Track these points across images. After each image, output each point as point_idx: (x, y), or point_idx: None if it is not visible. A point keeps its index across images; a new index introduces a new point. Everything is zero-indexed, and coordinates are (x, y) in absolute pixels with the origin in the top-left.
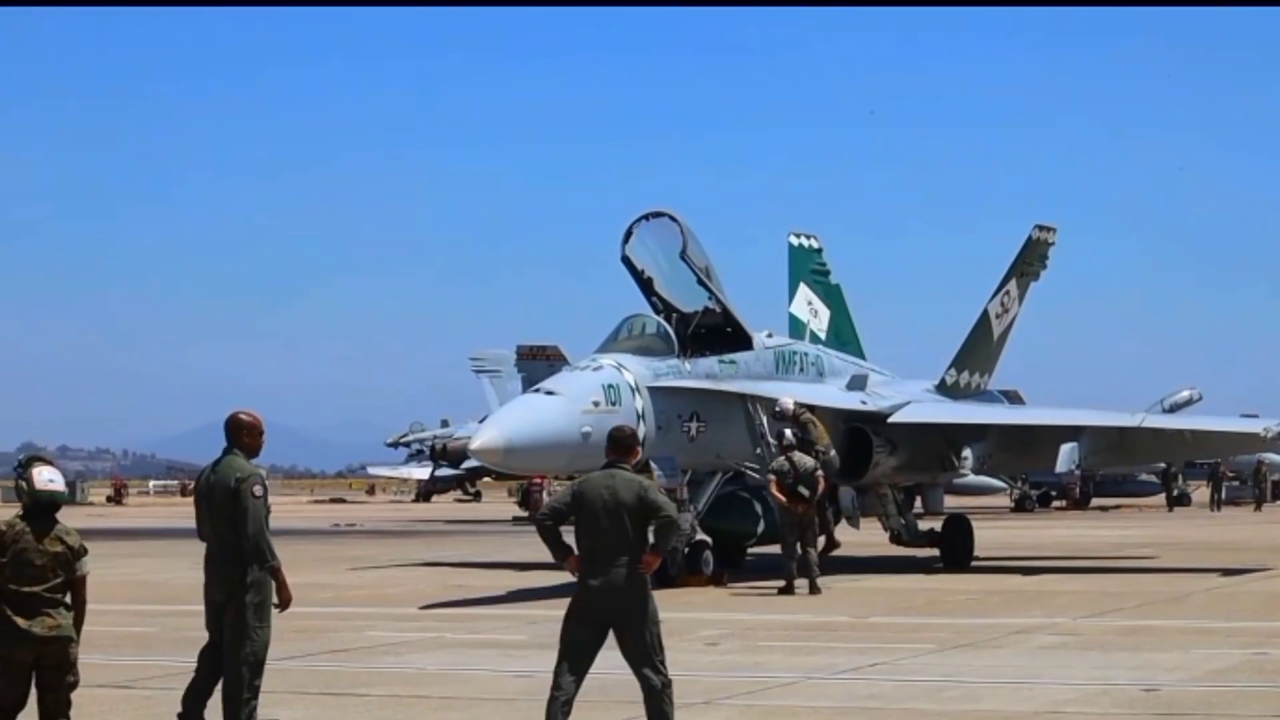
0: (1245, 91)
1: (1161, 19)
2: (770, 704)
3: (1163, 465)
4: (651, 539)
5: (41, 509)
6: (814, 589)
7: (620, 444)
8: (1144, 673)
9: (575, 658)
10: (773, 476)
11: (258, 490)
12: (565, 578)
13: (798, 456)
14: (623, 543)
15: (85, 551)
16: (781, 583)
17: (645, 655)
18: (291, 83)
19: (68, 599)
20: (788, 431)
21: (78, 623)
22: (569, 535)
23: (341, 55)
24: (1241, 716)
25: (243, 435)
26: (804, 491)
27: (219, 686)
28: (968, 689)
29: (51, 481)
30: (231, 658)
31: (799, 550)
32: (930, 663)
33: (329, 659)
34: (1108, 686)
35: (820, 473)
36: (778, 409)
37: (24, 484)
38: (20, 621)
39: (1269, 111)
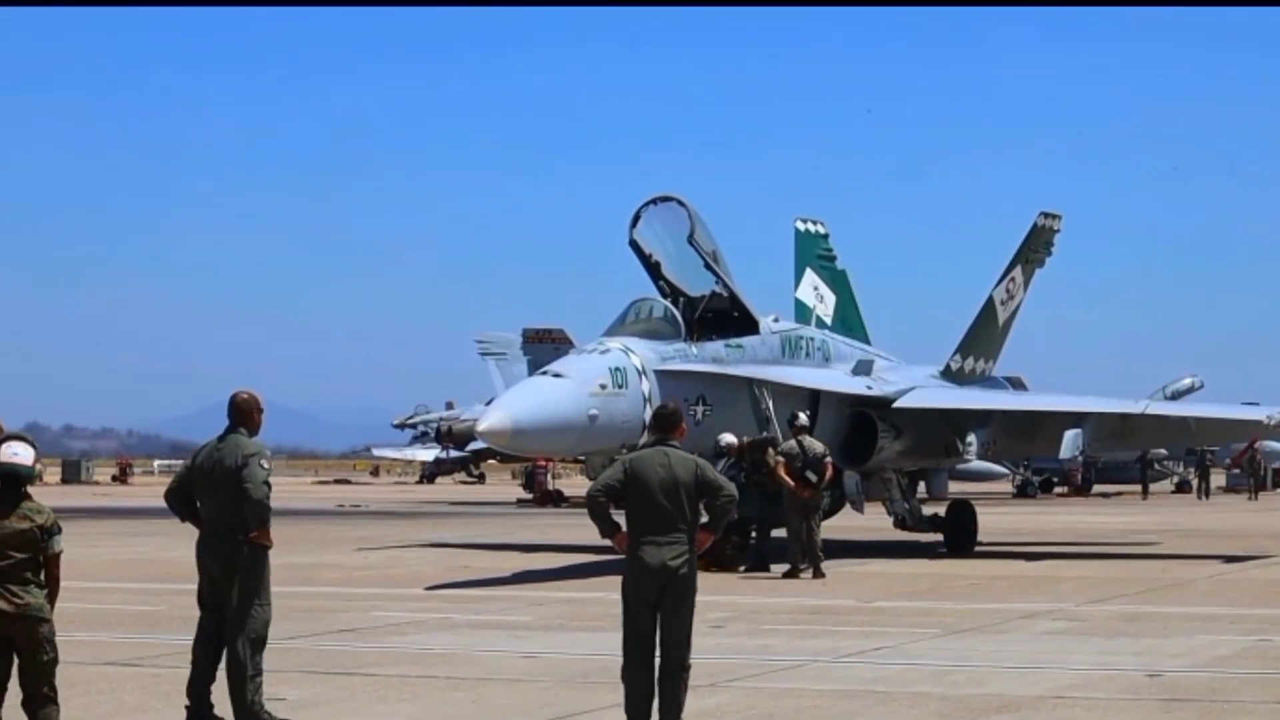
0: (1251, 82)
1: (1164, 17)
2: (775, 687)
3: (1140, 453)
4: (706, 517)
5: (4, 482)
6: (818, 573)
7: (666, 421)
8: (1148, 658)
9: (645, 638)
10: (781, 459)
11: (265, 464)
12: (571, 560)
13: (808, 440)
14: (679, 520)
15: (58, 530)
16: (786, 566)
17: (683, 637)
18: (297, 66)
19: (40, 577)
20: (802, 415)
21: (50, 601)
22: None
23: (349, 39)
24: (1244, 702)
25: (254, 414)
26: (811, 476)
27: (220, 672)
28: (973, 673)
29: (15, 455)
30: (232, 638)
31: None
32: (935, 647)
33: (336, 639)
34: (1112, 672)
35: (829, 459)
36: (722, 445)
37: None
38: None
39: (1273, 102)
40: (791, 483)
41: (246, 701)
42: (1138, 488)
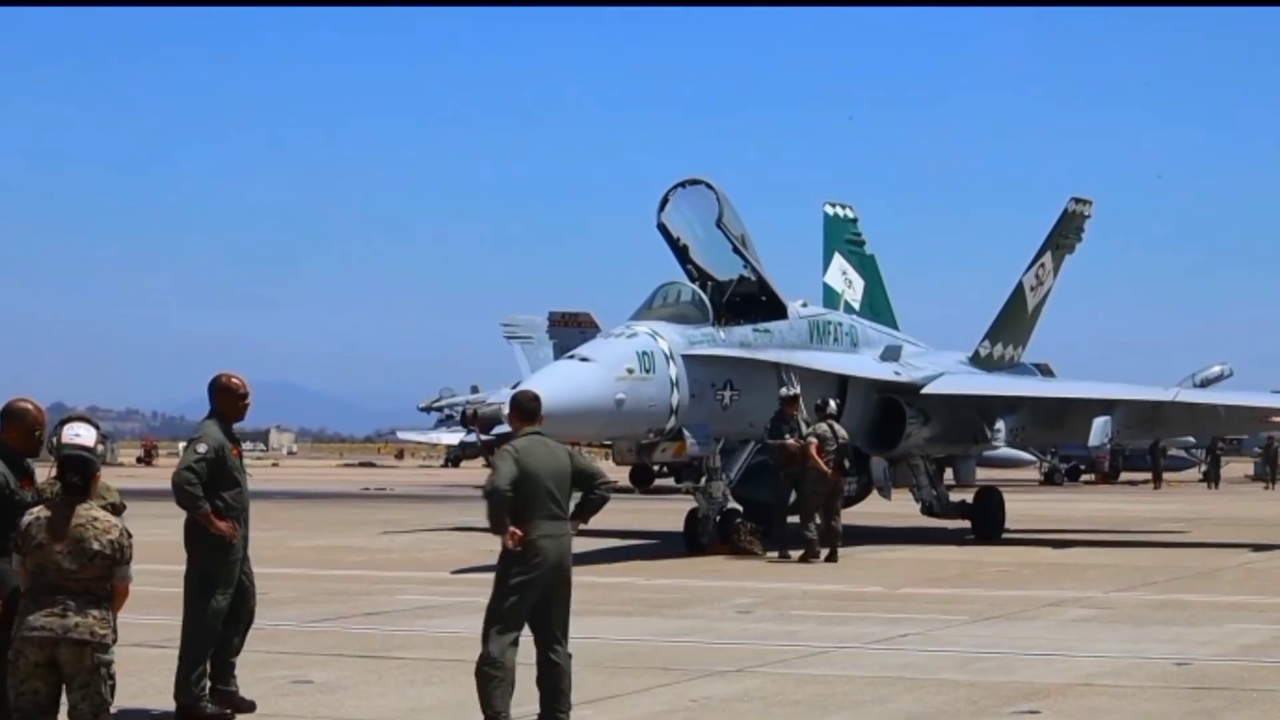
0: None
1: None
2: (803, 672)
3: (1150, 441)
4: (581, 506)
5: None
6: (831, 556)
7: (526, 409)
8: (1176, 647)
9: (515, 629)
10: (814, 440)
11: (200, 448)
12: (595, 544)
13: (837, 426)
14: (564, 509)
15: (124, 507)
16: (800, 551)
17: (564, 628)
18: (321, 57)
19: None
20: (832, 402)
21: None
22: None
23: (376, 13)
24: (1274, 691)
25: (218, 397)
26: (846, 463)
27: (240, 648)
28: (1001, 660)
29: (77, 436)
30: (183, 621)
31: (821, 518)
32: (963, 634)
33: (362, 622)
34: (1140, 660)
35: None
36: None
37: (54, 440)
38: None
39: None
40: (825, 466)
41: (184, 683)
42: (1166, 476)
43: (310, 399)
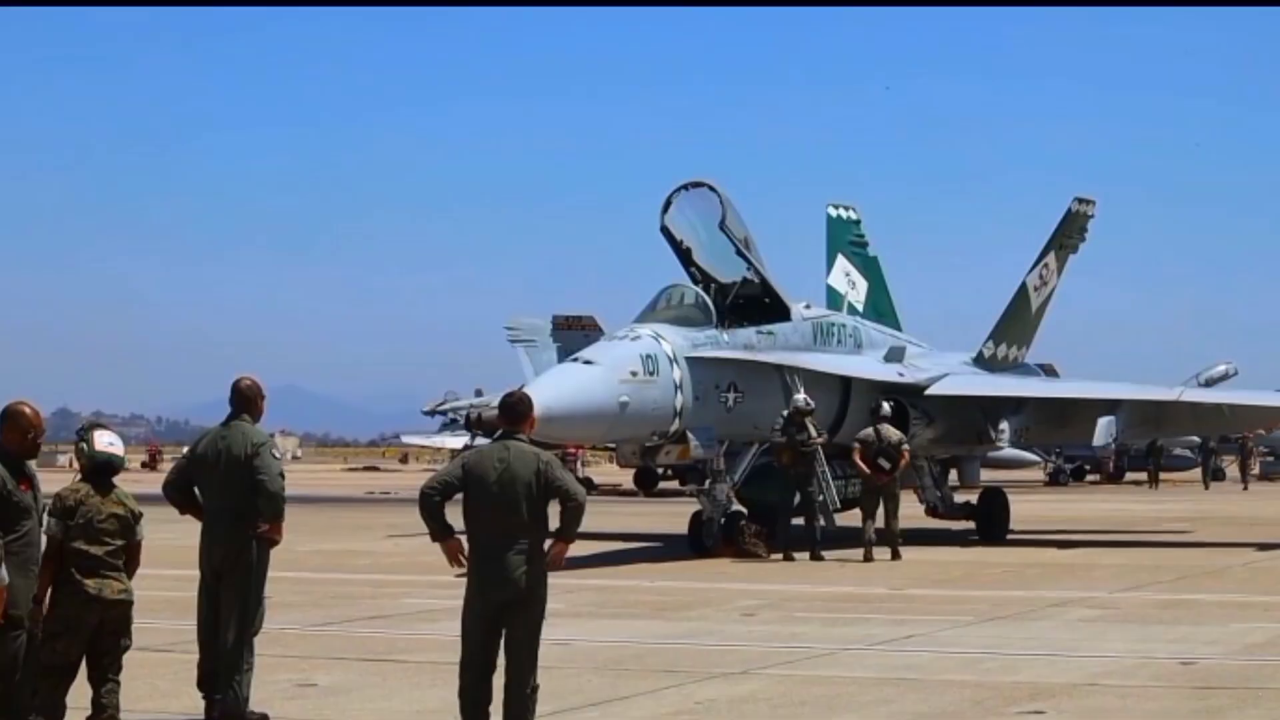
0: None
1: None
2: (807, 674)
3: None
4: (558, 523)
5: (99, 470)
6: (895, 555)
7: (512, 411)
8: (1182, 646)
9: (482, 656)
10: (858, 445)
11: (277, 453)
12: (601, 547)
13: (885, 429)
14: (518, 523)
15: (142, 515)
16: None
17: (528, 654)
18: (325, 49)
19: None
20: (886, 404)
21: None
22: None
23: (379, 13)
24: (1279, 690)
25: (258, 400)
26: (884, 463)
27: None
28: (1005, 660)
29: (111, 445)
30: (237, 630)
31: (877, 520)
32: (968, 634)
33: (367, 625)
34: (1146, 659)
35: (906, 447)
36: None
37: (84, 446)
38: (89, 584)
39: None
40: (867, 469)
41: (238, 693)
42: (1171, 476)
43: (315, 403)
